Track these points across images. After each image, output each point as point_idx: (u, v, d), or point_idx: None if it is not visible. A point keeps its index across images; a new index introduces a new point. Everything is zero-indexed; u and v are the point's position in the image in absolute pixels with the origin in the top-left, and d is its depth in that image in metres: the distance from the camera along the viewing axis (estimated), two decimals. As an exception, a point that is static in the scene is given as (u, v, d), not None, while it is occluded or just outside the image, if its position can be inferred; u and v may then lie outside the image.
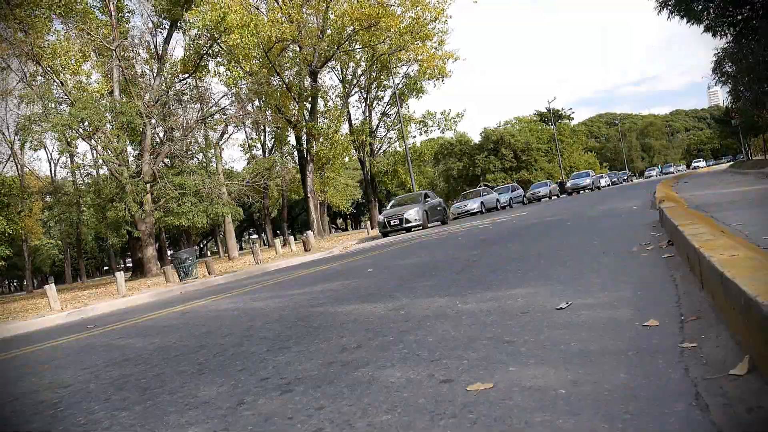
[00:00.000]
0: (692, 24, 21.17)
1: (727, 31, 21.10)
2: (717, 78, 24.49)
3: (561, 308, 2.67)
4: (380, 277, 5.84)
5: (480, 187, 34.47)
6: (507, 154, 61.12)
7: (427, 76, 39.62)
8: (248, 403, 1.98)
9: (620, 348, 1.92)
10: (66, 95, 26.12)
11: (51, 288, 12.38)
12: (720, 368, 1.60)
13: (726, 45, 22.48)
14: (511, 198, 33.53)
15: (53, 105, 27.02)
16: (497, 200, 31.12)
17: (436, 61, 37.52)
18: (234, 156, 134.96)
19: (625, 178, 63.05)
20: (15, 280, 74.46)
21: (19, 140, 38.31)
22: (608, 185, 50.30)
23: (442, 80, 39.31)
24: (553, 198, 38.13)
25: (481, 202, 29.20)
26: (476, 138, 66.23)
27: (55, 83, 26.50)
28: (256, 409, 1.91)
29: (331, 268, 9.00)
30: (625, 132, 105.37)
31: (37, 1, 24.60)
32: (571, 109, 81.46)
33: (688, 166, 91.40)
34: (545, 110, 68.68)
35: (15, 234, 28.64)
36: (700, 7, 20.54)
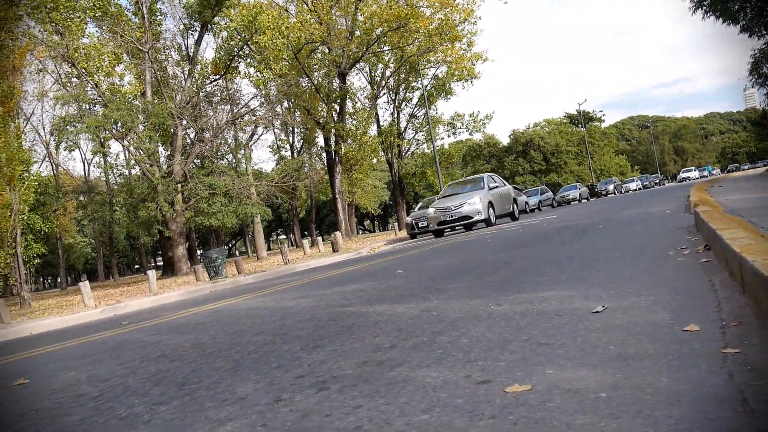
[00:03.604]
0: (728, 24, 20.77)
1: (764, 32, 20.65)
2: (754, 80, 23.97)
3: (597, 311, 2.64)
4: (410, 278, 5.84)
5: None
6: (536, 157, 60.62)
7: (455, 78, 39.50)
8: (285, 400, 2.00)
9: (660, 352, 1.90)
10: (100, 97, 26.63)
11: (85, 285, 12.63)
12: (766, 374, 1.57)
13: (763, 46, 22.00)
14: (540, 201, 33.33)
15: (87, 106, 27.58)
16: (526, 203, 30.90)
17: (464, 62, 37.41)
18: (263, 157, 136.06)
19: (657, 181, 62.05)
20: (49, 277, 76.23)
21: (54, 141, 39.22)
22: (639, 189, 49.82)
23: (471, 82, 39.15)
24: (583, 201, 37.76)
25: (510, 205, 28.96)
26: (505, 140, 65.82)
27: (90, 85, 27.02)
28: (294, 406, 1.92)
29: (361, 269, 9.03)
30: (658, 135, 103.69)
31: (73, 5, 25.12)
32: (601, 111, 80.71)
33: (722, 170, 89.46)
34: (575, 112, 67.99)
35: (50, 232, 29.31)
36: (737, 7, 20.15)
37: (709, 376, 1.61)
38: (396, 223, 36.81)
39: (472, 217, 16.26)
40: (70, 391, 2.79)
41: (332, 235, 19.53)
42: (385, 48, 34.66)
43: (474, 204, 16.37)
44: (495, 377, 1.90)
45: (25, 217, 18.87)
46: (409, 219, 22.03)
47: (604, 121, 77.63)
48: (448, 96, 41.80)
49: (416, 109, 43.20)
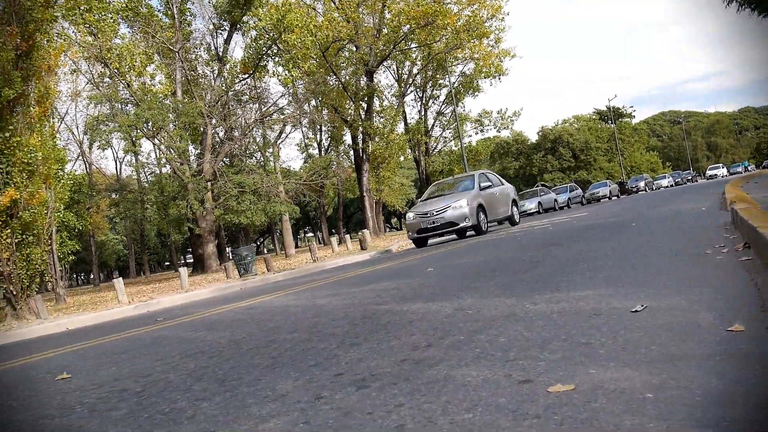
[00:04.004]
0: (765, 17, 20.26)
1: (802, 25, 20.10)
2: (791, 74, 23.34)
3: (636, 311, 2.61)
4: (441, 276, 5.84)
5: (537, 186, 33.99)
6: (565, 154, 60.00)
7: (483, 75, 39.34)
8: (326, 397, 2.02)
9: (706, 353, 1.87)
10: (132, 96, 27.07)
11: (119, 282, 12.88)
12: (819, 376, 1.53)
13: (801, 39, 21.42)
14: (569, 198, 33.02)
15: (120, 106, 28.07)
16: (555, 200, 30.66)
17: (492, 59, 37.20)
18: (291, 155, 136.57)
19: (690, 178, 60.92)
20: (82, 274, 77.80)
21: (88, 140, 39.99)
22: (671, 186, 49.06)
23: (499, 78, 38.92)
24: (613, 198, 37.28)
25: (539, 202, 28.84)
26: (533, 137, 65.26)
27: (122, 85, 27.47)
28: (334, 403, 1.94)
29: (390, 266, 9.04)
30: (690, 130, 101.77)
31: (106, 6, 25.58)
32: (632, 107, 79.59)
33: (758, 166, 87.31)
34: (605, 108, 67.09)
35: (84, 229, 29.91)
36: (773, -1, 19.63)
37: (762, 378, 1.58)
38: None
39: (458, 224, 13.93)
40: (113, 386, 2.84)
41: (360, 233, 19.58)
42: (413, 45, 34.60)
43: (460, 208, 13.98)
44: (536, 377, 1.89)
45: (60, 215, 19.27)
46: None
47: (634, 116, 76.47)
48: (476, 93, 41.66)
49: (444, 106, 43.13)
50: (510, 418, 1.57)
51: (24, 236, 11.89)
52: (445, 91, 42.07)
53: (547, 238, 8.60)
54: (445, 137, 44.23)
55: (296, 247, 60.88)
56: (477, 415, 1.64)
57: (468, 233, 15.23)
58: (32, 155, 12.14)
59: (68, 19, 22.72)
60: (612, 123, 64.74)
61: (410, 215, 15.03)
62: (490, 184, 15.72)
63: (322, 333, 3.44)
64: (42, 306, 11.60)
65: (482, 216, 14.45)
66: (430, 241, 15.61)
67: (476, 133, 45.36)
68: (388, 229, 70.01)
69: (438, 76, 40.45)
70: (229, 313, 5.91)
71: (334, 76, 31.78)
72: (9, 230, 11.54)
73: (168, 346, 4.12)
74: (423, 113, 43.20)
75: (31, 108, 12.85)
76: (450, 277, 5.62)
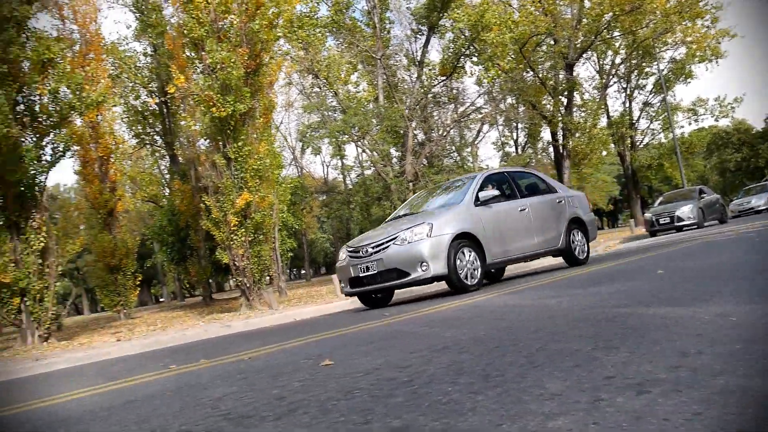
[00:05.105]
0: None
1: None
2: None
3: None
4: (674, 279, 5.47)
5: (766, 180, 30.26)
6: (799, 142, 52.75)
7: (697, 59, 36.15)
8: (606, 400, 2.00)
9: None
10: (338, 104, 28.99)
11: (336, 277, 13.85)
12: None
13: None
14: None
15: (328, 113, 30.24)
16: (790, 199, 27.11)
17: (708, 41, 34.02)
18: (488, 153, 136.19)
19: None
20: (294, 269, 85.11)
21: (301, 146, 43.59)
22: None
23: (716, 62, 35.47)
24: None
25: (769, 198, 25.73)
26: (759, 124, 58.22)
27: (330, 94, 29.54)
28: (618, 407, 1.92)
29: (607, 267, 8.66)
30: None
31: (315, 22, 27.73)
32: None
33: None
34: None
35: (299, 229, 32.68)
36: None
37: None
38: (630, 220, 34.58)
39: (408, 273, 8.07)
40: (377, 374, 3.07)
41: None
42: (615, 34, 32.73)
43: (417, 242, 8.07)
44: None
45: (283, 215, 21.28)
46: (648, 215, 20.78)
47: None
48: (688, 79, 38.42)
49: (651, 96, 40.26)
50: (844, 438, 1.45)
51: (255, 235, 13.34)
52: (652, 79, 39.27)
53: (795, 239, 7.66)
54: (653, 129, 41.22)
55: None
56: (799, 431, 1.53)
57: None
58: (261, 162, 13.60)
59: (284, 36, 24.96)
60: None
61: (342, 253, 9.42)
62: (497, 193, 9.18)
63: (567, 334, 3.41)
64: (273, 298, 12.91)
65: (470, 256, 8.37)
66: (641, 241, 14.02)
67: (689, 124, 41.66)
68: (587, 228, 66.93)
69: (644, 64, 37.88)
70: (454, 311, 6.09)
71: (532, 72, 31.16)
72: (243, 230, 13.04)
73: (409, 340, 4.36)
74: (627, 105, 40.71)
75: (257, 119, 14.37)
76: (685, 279, 5.25)
